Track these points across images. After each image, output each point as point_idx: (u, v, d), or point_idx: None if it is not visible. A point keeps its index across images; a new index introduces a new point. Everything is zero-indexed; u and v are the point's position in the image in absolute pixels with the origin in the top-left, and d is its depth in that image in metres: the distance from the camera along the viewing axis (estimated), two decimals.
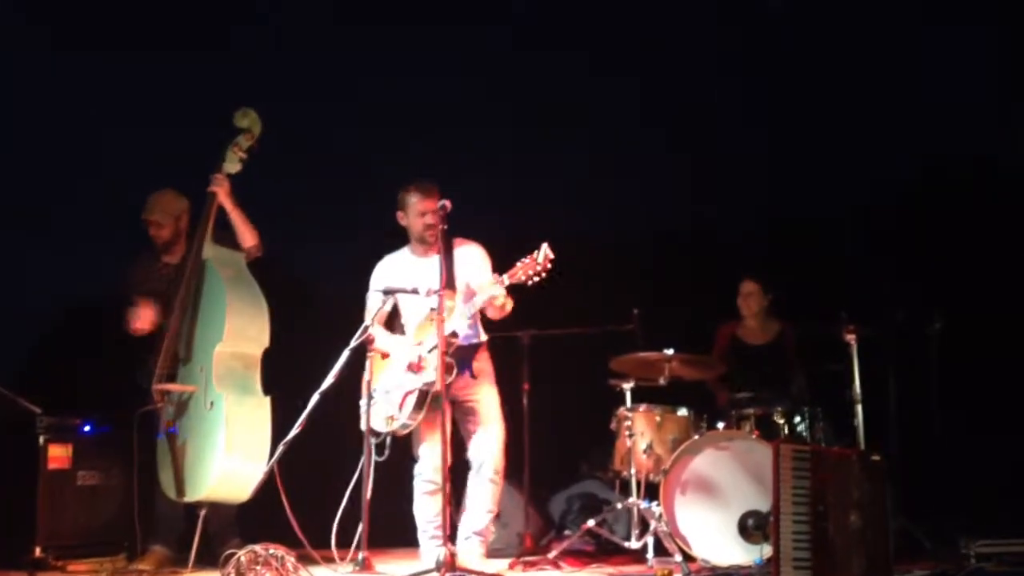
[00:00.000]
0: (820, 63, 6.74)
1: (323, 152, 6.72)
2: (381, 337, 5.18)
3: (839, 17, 6.76)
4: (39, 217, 6.57)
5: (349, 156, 6.71)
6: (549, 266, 4.67)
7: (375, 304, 5.20)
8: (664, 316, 6.00)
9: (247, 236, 5.57)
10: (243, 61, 6.72)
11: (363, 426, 5.04)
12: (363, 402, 5.06)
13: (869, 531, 4.41)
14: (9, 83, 6.53)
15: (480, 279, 5.10)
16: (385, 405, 5.05)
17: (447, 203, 4.81)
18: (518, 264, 4.75)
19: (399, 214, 5.24)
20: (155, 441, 5.44)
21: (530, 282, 4.71)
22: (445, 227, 4.90)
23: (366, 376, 5.06)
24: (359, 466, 4.94)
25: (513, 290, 4.89)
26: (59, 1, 6.68)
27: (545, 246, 4.68)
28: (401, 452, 5.14)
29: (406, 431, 5.09)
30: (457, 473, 5.07)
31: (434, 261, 4.96)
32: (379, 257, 5.39)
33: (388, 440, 5.02)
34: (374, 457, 4.95)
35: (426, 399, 5.00)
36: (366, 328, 4.88)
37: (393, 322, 5.31)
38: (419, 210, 5.15)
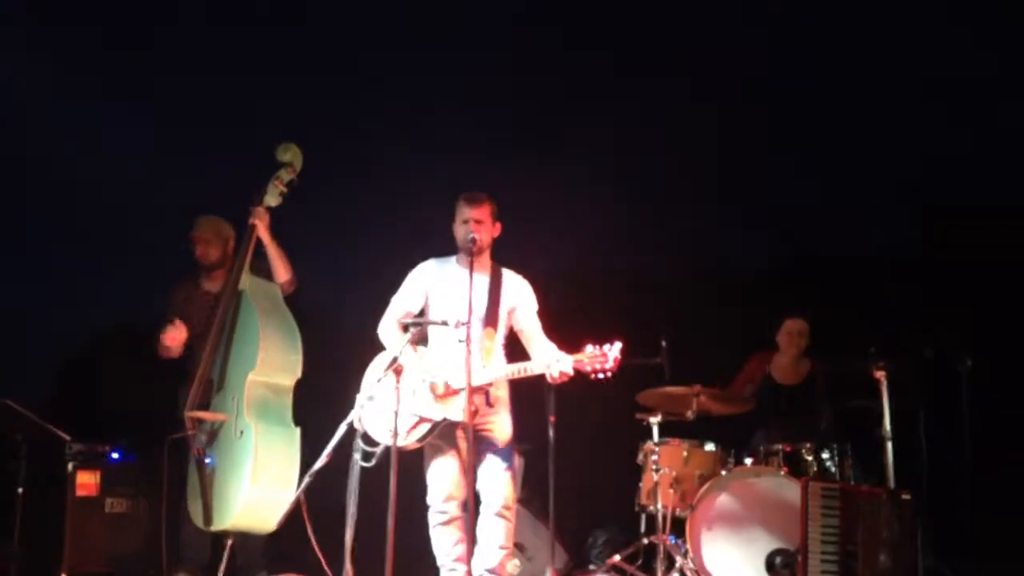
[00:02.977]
0: (848, 95, 6.74)
1: (349, 181, 6.77)
2: (406, 353, 5.02)
3: (868, 46, 6.75)
4: (70, 244, 6.64)
5: (374, 185, 6.76)
6: (616, 367, 4.60)
7: (401, 307, 5.13)
8: (692, 350, 5.98)
9: (282, 271, 5.63)
10: (259, 86, 6.79)
11: (356, 425, 4.84)
12: (364, 402, 4.87)
13: (899, 571, 4.38)
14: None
15: (528, 316, 5.09)
16: (390, 420, 4.79)
17: None
18: (586, 353, 4.66)
19: (454, 225, 5.15)
20: (185, 469, 5.46)
21: (593, 376, 4.65)
22: (475, 241, 4.91)
23: (372, 378, 4.94)
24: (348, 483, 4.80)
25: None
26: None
27: (619, 345, 4.61)
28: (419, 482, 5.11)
29: (408, 449, 4.96)
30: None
31: (480, 279, 4.93)
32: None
33: (379, 451, 4.80)
34: (361, 464, 4.77)
35: (437, 430, 4.92)
36: (395, 360, 4.86)
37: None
38: (463, 217, 5.07)
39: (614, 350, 4.63)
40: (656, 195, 6.79)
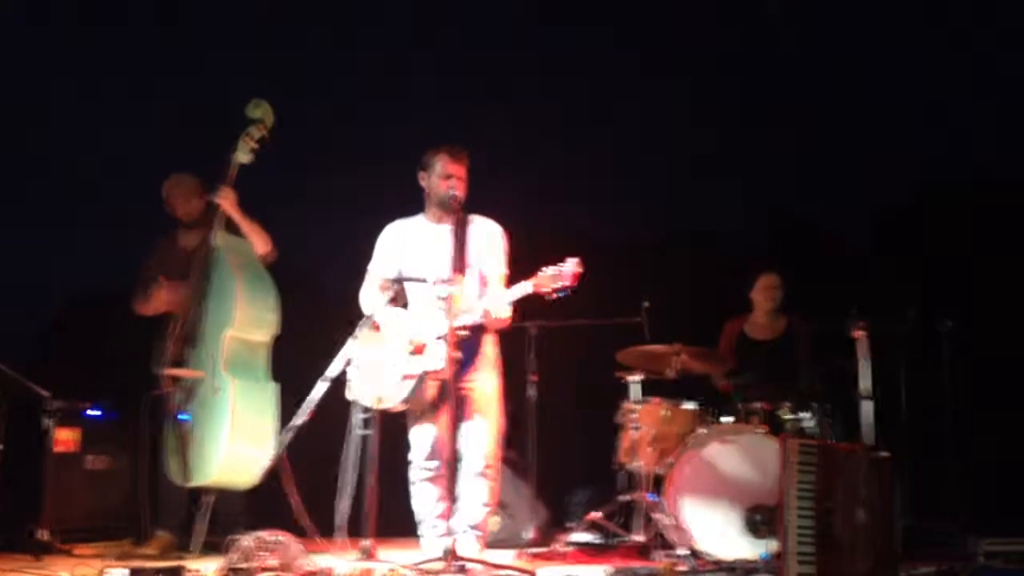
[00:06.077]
0: (832, 61, 6.73)
1: (326, 142, 6.74)
2: (383, 313, 5.04)
3: (847, 19, 6.75)
4: (50, 205, 6.63)
5: (352, 147, 6.74)
6: (575, 283, 4.56)
7: (377, 274, 5.12)
8: (672, 309, 5.99)
9: (258, 243, 5.59)
10: (236, 52, 6.76)
11: (348, 395, 4.91)
12: (349, 371, 4.91)
13: (876, 528, 4.39)
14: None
15: (493, 261, 5.03)
16: (374, 382, 4.85)
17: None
18: (544, 272, 4.62)
19: (420, 174, 5.08)
20: (163, 426, 5.45)
21: (554, 295, 4.60)
22: (457, 198, 4.86)
23: (353, 344, 4.90)
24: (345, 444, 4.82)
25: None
26: None
27: (575, 260, 4.57)
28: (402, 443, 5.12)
29: (394, 411, 4.99)
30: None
31: (446, 229, 4.86)
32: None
33: (373, 416, 4.82)
34: (359, 431, 4.82)
35: (421, 385, 4.92)
36: (371, 316, 4.86)
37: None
38: (444, 172, 4.99)
39: (570, 265, 4.57)
40: (641, 159, 6.79)
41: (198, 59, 6.77)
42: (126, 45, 6.74)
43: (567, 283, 4.56)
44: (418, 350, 4.89)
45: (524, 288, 4.68)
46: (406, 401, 4.94)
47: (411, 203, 5.28)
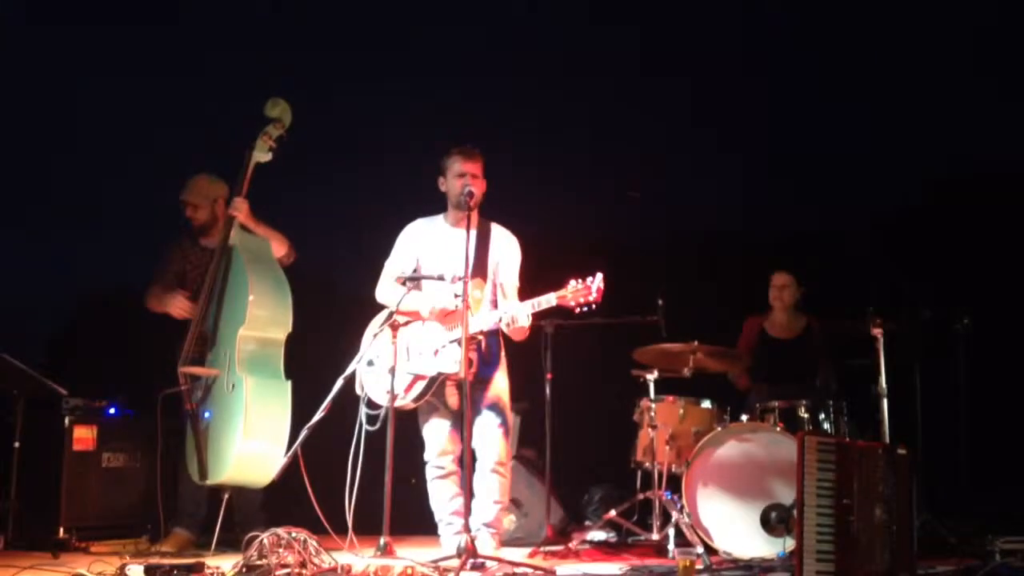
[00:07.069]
0: (850, 59, 6.73)
1: (343, 146, 6.76)
2: (410, 297, 5.00)
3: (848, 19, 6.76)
4: (71, 202, 6.65)
5: (369, 149, 6.75)
6: (599, 298, 4.57)
7: (395, 270, 5.14)
8: (689, 308, 5.99)
9: (276, 247, 5.60)
10: (256, 55, 6.77)
11: (358, 390, 4.94)
12: (360, 368, 4.93)
13: (894, 525, 4.37)
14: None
15: (509, 272, 5.09)
16: (387, 380, 4.82)
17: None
18: (570, 287, 4.64)
19: (440, 180, 5.13)
20: (179, 424, 5.46)
21: (578, 309, 4.61)
22: (473, 195, 4.87)
23: (368, 342, 4.94)
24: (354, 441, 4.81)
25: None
26: None
27: (600, 276, 4.59)
28: (419, 441, 5.12)
29: (405, 409, 5.01)
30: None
31: (467, 235, 4.89)
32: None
33: (383, 414, 4.82)
34: (366, 427, 4.82)
35: (434, 386, 4.95)
36: (391, 315, 4.86)
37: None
38: (459, 171, 5.04)
39: (596, 281, 4.60)
40: (658, 161, 6.79)
41: (198, 59, 6.76)
42: (126, 45, 6.74)
43: (592, 298, 4.58)
44: (443, 313, 4.86)
45: (548, 300, 4.71)
46: (416, 400, 4.98)
47: (418, 204, 5.30)
